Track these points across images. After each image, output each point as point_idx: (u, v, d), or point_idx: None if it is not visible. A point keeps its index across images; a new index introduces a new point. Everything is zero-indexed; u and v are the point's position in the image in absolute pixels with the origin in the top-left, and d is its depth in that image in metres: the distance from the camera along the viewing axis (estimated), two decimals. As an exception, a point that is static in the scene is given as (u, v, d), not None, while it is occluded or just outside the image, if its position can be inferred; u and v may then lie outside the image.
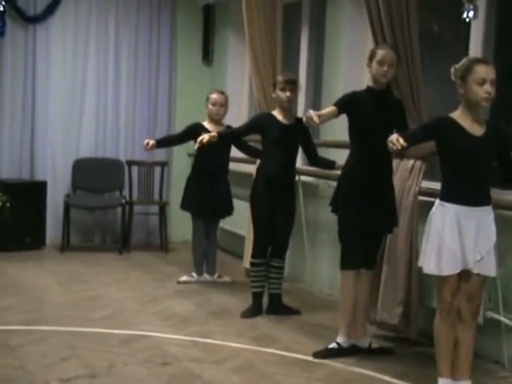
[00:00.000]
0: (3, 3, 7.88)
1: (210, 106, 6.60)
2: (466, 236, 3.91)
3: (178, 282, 6.74)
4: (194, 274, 6.83)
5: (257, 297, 5.78)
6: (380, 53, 4.63)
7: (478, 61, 3.96)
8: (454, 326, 4.02)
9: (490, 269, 3.96)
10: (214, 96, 6.63)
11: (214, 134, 5.61)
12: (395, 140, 3.83)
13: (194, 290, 6.54)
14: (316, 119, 4.20)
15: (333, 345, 4.77)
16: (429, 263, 3.98)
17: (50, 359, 4.49)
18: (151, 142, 6.32)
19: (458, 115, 3.96)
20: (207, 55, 9.00)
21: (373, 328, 5.20)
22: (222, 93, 6.70)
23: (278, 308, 5.77)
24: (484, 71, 3.86)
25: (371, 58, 4.67)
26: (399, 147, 3.83)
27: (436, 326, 4.04)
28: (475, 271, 3.93)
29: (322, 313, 5.83)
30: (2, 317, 5.38)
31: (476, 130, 3.93)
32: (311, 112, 4.24)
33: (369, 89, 4.74)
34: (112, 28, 8.55)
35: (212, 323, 5.50)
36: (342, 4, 6.39)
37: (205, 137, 5.50)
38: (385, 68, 4.61)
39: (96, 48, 8.51)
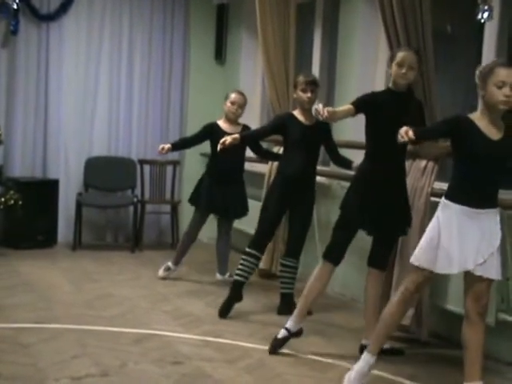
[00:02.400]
0: (17, 1, 7.89)
1: (229, 105, 6.56)
2: (467, 237, 3.91)
3: (159, 278, 6.83)
4: (170, 265, 6.91)
5: (236, 285, 5.70)
6: (400, 55, 4.59)
7: (501, 63, 3.89)
8: (404, 312, 4.19)
9: (493, 271, 3.92)
10: (234, 95, 6.58)
11: (236, 136, 5.46)
12: (404, 132, 3.84)
13: (206, 289, 6.54)
14: (325, 113, 4.17)
15: (282, 332, 4.81)
16: (418, 254, 4.02)
17: (62, 357, 4.50)
18: (166, 146, 6.32)
19: (477, 117, 3.94)
20: (220, 54, 9.00)
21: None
22: (242, 94, 6.63)
23: (290, 308, 5.73)
24: (504, 74, 3.81)
25: (391, 59, 4.63)
26: (406, 139, 3.83)
27: (392, 307, 4.14)
28: (477, 273, 3.92)
29: (333, 313, 5.82)
30: (14, 314, 5.40)
31: (493, 133, 3.90)
32: (320, 106, 4.22)
33: (388, 90, 4.70)
34: (126, 26, 8.56)
35: (223, 323, 5.50)
36: (355, 3, 6.38)
37: (227, 139, 5.37)
38: (403, 70, 4.56)
39: (109, 47, 8.52)
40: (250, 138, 5.91)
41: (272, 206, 5.70)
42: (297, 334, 4.87)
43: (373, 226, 4.76)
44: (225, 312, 5.65)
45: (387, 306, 4.20)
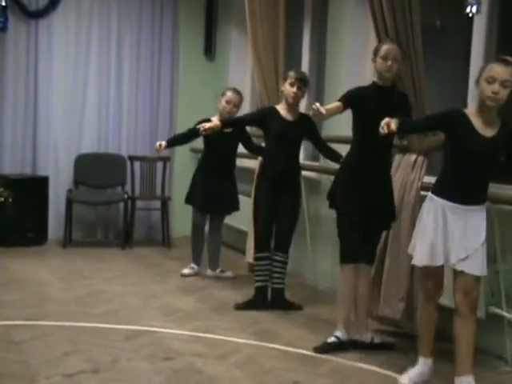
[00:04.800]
0: (5, -1, 7.89)
1: (224, 103, 6.53)
2: (451, 232, 3.93)
3: (182, 275, 6.76)
4: (193, 266, 6.87)
5: (259, 291, 5.80)
6: (384, 48, 4.63)
7: (497, 60, 3.90)
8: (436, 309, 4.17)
9: (475, 267, 3.93)
10: (230, 94, 6.55)
11: (216, 122, 5.67)
12: (384, 124, 3.90)
13: (197, 285, 6.55)
14: (323, 111, 4.22)
15: (332, 339, 4.78)
16: (411, 248, 4.12)
17: (53, 354, 4.50)
18: (163, 144, 6.30)
19: (472, 112, 3.95)
20: (209, 50, 9.00)
21: (375, 323, 5.20)
22: (239, 93, 6.61)
23: (280, 303, 5.77)
24: (497, 70, 3.80)
25: (375, 53, 4.67)
26: (386, 131, 3.89)
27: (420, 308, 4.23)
28: (459, 268, 3.94)
29: (324, 307, 5.82)
30: (5, 312, 5.39)
31: (486, 130, 3.90)
32: (317, 105, 4.25)
33: (374, 84, 4.73)
34: (114, 23, 8.55)
35: (214, 318, 5.50)
36: (344, 0, 6.37)
37: (206, 124, 5.58)
38: (388, 63, 4.60)
39: (98, 43, 8.51)
40: (230, 123, 5.99)
41: (263, 204, 5.74)
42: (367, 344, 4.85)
43: (359, 218, 4.77)
44: (242, 307, 5.76)
45: (418, 312, 4.30)
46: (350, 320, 4.84)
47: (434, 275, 4.08)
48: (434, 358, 4.21)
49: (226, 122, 5.84)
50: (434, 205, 3.98)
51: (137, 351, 4.64)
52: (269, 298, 5.84)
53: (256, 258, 5.82)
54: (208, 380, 4.21)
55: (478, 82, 3.90)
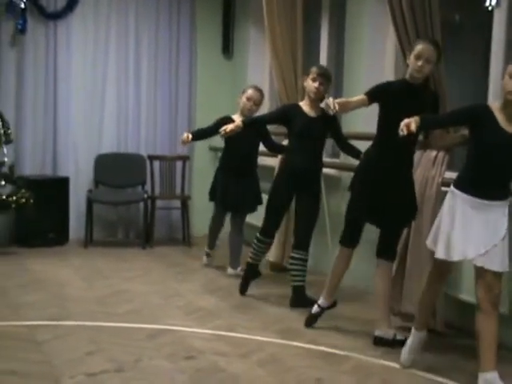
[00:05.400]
0: (24, 1, 7.92)
1: (244, 100, 6.53)
2: (470, 227, 3.90)
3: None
4: (207, 251, 7.23)
5: (249, 266, 6.09)
6: (418, 47, 4.52)
7: None
8: (439, 292, 4.36)
9: (495, 263, 3.90)
10: (251, 92, 6.54)
11: (238, 122, 5.65)
12: (404, 125, 3.89)
13: (218, 283, 6.55)
14: (336, 106, 4.19)
15: (315, 308, 5.18)
16: (429, 238, 4.16)
17: (76, 354, 4.51)
18: (190, 136, 6.29)
19: (496, 107, 3.92)
20: (227, 48, 8.99)
21: (398, 319, 5.18)
22: (260, 91, 6.60)
23: (301, 301, 5.76)
24: None
25: (411, 50, 4.59)
26: (406, 133, 3.88)
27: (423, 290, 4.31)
28: (478, 264, 3.91)
29: (345, 305, 5.80)
30: (27, 312, 5.41)
31: (509, 125, 3.87)
32: (331, 100, 4.22)
33: (404, 81, 4.67)
34: (132, 22, 8.57)
35: (236, 317, 5.50)
36: (363, -6, 6.36)
37: (228, 126, 5.59)
38: (420, 63, 4.50)
39: (116, 43, 8.53)
40: (252, 123, 5.95)
41: (277, 197, 5.81)
42: (331, 306, 5.19)
43: (379, 215, 4.76)
44: (243, 289, 6.12)
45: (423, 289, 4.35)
46: (331, 293, 5.13)
47: (444, 266, 4.15)
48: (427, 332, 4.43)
49: (247, 122, 5.79)
50: (455, 199, 3.95)
51: (159, 350, 4.64)
52: (289, 296, 5.83)
53: (257, 238, 5.96)
54: (230, 378, 4.21)
55: (503, 76, 3.88)
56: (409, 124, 3.90)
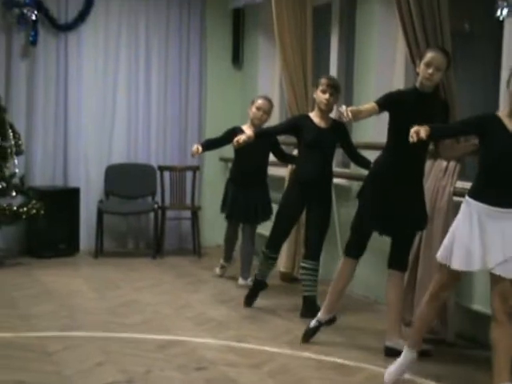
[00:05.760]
0: (36, 12, 7.96)
1: (254, 110, 6.56)
2: (488, 236, 3.87)
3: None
4: (223, 263, 7.18)
5: (257, 281, 6.06)
6: (428, 55, 4.53)
7: None
8: (436, 311, 4.21)
9: None
10: (260, 101, 6.58)
11: (249, 133, 5.65)
12: (413, 132, 3.89)
13: (229, 294, 6.53)
14: (349, 114, 4.19)
15: (313, 322, 5.05)
16: (441, 251, 4.02)
17: (87, 365, 4.51)
18: (200, 148, 6.30)
19: (505, 115, 3.91)
20: (237, 58, 9.00)
21: (409, 330, 5.14)
22: (269, 100, 6.64)
23: (312, 311, 5.71)
24: None
25: (420, 58, 4.59)
26: (415, 140, 3.88)
27: (421, 308, 4.19)
28: (497, 273, 3.87)
29: (356, 315, 5.79)
30: (39, 323, 5.41)
31: None
32: (344, 107, 4.23)
33: (414, 89, 4.67)
34: (142, 33, 8.59)
35: (247, 327, 5.49)
36: (372, 5, 6.36)
37: (241, 137, 5.58)
38: (430, 71, 4.50)
39: (127, 53, 8.55)
40: (263, 134, 5.98)
41: (287, 207, 5.79)
42: (329, 321, 5.08)
43: (390, 224, 4.74)
44: (250, 302, 6.05)
45: (420, 306, 4.22)
46: (333, 306, 5.03)
47: (453, 281, 4.07)
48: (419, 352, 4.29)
49: (258, 133, 5.80)
50: (470, 208, 3.92)
51: (169, 361, 4.64)
52: (299, 306, 5.82)
53: (264, 253, 5.90)
54: (241, 389, 4.21)
55: (508, 85, 3.88)
56: (418, 131, 3.90)
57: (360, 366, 4.62)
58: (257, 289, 6.05)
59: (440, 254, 4.03)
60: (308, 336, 5.07)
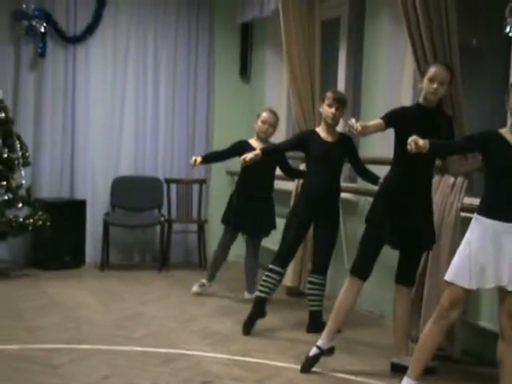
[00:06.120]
0: (44, 25, 8.00)
1: (260, 124, 6.56)
2: (501, 252, 3.85)
3: (193, 293, 6.84)
4: (204, 282, 6.96)
5: (259, 301, 5.72)
6: (432, 70, 4.57)
7: None
8: (442, 333, 4.08)
9: None
10: (265, 115, 6.59)
11: (257, 151, 5.63)
12: (411, 141, 3.91)
13: (234, 308, 6.52)
14: (359, 127, 4.19)
15: (314, 350, 4.79)
16: (451, 271, 3.98)
17: (92, 378, 4.50)
18: (198, 159, 6.31)
19: (506, 131, 3.93)
20: (245, 72, 9.02)
21: (415, 346, 5.12)
22: (274, 113, 6.64)
23: (318, 326, 5.70)
24: None
25: (423, 74, 4.62)
26: (413, 149, 3.91)
27: (428, 329, 4.08)
28: (509, 289, 3.86)
29: (362, 330, 5.77)
30: (44, 335, 5.41)
31: None
32: (353, 120, 4.23)
33: (418, 105, 4.69)
34: (151, 47, 8.62)
35: (252, 341, 5.47)
36: (380, 20, 6.37)
37: (248, 155, 5.56)
38: (434, 86, 4.53)
39: (135, 66, 8.58)
40: (271, 151, 5.95)
41: (295, 222, 5.73)
42: (328, 351, 4.83)
43: (398, 240, 4.71)
44: (248, 328, 5.66)
45: (424, 329, 4.14)
46: (338, 327, 4.85)
47: (460, 297, 4.00)
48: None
49: (266, 150, 5.79)
50: (480, 226, 3.91)
51: (175, 375, 4.62)
52: (305, 321, 5.80)
53: (269, 269, 5.72)
54: (247, 404, 4.19)
55: (509, 99, 3.89)
56: (416, 140, 3.91)
57: (364, 381, 4.60)
58: (256, 315, 5.70)
59: (451, 273, 3.98)
60: (308, 366, 4.80)
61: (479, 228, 3.91)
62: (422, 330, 4.20)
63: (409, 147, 3.94)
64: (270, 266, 5.73)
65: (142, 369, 4.72)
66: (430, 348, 4.10)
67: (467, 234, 3.99)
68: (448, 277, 3.99)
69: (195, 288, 6.97)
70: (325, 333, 4.82)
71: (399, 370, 4.73)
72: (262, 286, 5.74)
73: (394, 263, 4.91)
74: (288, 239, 5.74)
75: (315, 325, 5.72)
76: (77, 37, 8.30)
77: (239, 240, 7.00)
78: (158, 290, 7.20)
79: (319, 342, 4.80)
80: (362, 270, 4.76)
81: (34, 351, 5.00)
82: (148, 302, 6.67)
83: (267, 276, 5.72)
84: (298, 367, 4.83)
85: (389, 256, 4.93)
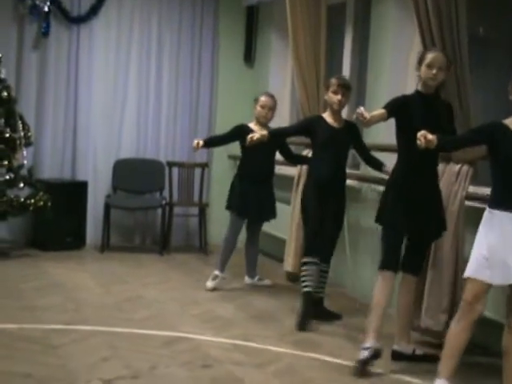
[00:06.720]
0: (48, 4, 7.95)
1: (259, 108, 6.54)
2: None
3: (208, 290, 6.53)
4: (217, 273, 6.65)
5: (307, 296, 5.55)
6: (429, 56, 4.56)
7: None
8: (470, 329, 3.94)
9: None
10: (264, 99, 6.56)
11: (264, 133, 5.61)
12: (420, 135, 3.89)
13: (235, 292, 6.51)
14: (367, 115, 4.18)
15: (365, 353, 4.51)
16: (471, 268, 3.91)
17: (92, 359, 4.49)
18: (201, 142, 6.28)
19: (510, 121, 3.89)
20: (249, 56, 8.98)
21: (416, 334, 5.13)
22: (272, 96, 6.62)
23: (319, 312, 5.71)
24: None
25: (420, 61, 4.60)
26: (423, 143, 3.90)
27: (454, 327, 3.98)
28: None
29: (363, 318, 5.69)
30: (44, 316, 5.40)
31: None
32: (362, 109, 4.22)
33: (418, 93, 4.68)
34: (154, 28, 8.57)
35: (253, 326, 5.46)
36: (387, 5, 6.32)
37: (255, 135, 5.54)
38: (434, 71, 4.54)
39: (138, 48, 8.53)
40: (277, 134, 5.93)
41: (311, 213, 5.65)
42: (376, 353, 4.55)
43: (410, 227, 4.68)
44: (303, 326, 5.43)
45: (450, 329, 4.03)
46: (380, 329, 4.65)
47: (483, 290, 3.90)
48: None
49: (273, 133, 5.77)
50: (494, 219, 3.86)
51: (175, 358, 4.61)
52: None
53: (305, 263, 5.61)
54: (247, 389, 4.18)
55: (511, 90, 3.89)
56: (425, 134, 3.90)
57: (366, 369, 4.58)
58: (308, 311, 5.49)
59: (471, 269, 3.90)
60: (362, 369, 4.51)
61: (493, 221, 3.86)
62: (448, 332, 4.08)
63: (418, 142, 3.93)
64: (305, 260, 5.61)
65: (141, 351, 4.71)
66: (460, 346, 3.97)
67: (481, 228, 3.92)
68: (468, 273, 3.90)
69: (210, 284, 6.59)
70: (371, 334, 4.57)
71: (400, 357, 4.75)
72: (304, 281, 5.58)
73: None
74: (311, 228, 5.65)
75: (317, 311, 5.71)
76: (81, 17, 8.25)
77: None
78: (159, 273, 7.19)
79: (368, 344, 4.55)
80: (391, 263, 4.65)
81: (33, 331, 4.99)
82: (148, 284, 6.66)
83: (306, 270, 5.58)
84: (299, 353, 4.84)
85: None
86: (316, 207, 5.62)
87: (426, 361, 4.72)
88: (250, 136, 5.58)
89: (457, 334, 3.97)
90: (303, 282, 5.59)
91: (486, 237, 3.88)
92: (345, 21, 7.22)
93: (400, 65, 6.26)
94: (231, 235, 6.63)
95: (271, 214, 6.69)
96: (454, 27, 4.89)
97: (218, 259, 6.69)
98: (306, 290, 5.57)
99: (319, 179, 5.64)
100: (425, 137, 3.91)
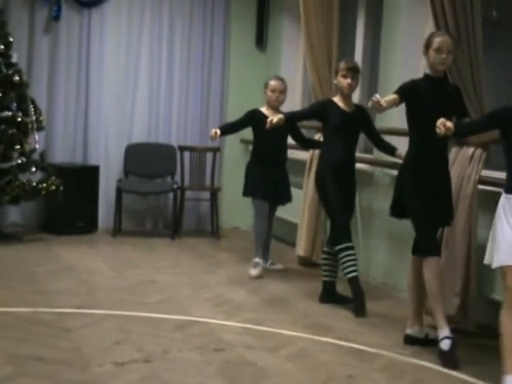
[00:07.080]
0: (59, -12, 7.95)
1: (269, 93, 6.52)
2: None
3: (251, 278, 6.44)
4: (258, 260, 6.55)
5: (356, 281, 5.48)
6: (437, 40, 4.53)
7: None
8: None
9: None
10: (273, 83, 6.55)
11: (281, 116, 5.57)
12: (440, 124, 3.90)
13: (246, 276, 6.49)
14: (383, 103, 4.19)
15: (446, 343, 4.43)
16: (501, 257, 3.85)
17: (105, 343, 4.50)
18: (218, 132, 6.24)
19: None
20: (261, 41, 8.94)
21: (429, 318, 5.11)
22: (282, 79, 6.61)
23: (331, 296, 5.71)
24: None
25: (428, 46, 4.57)
26: (442, 131, 3.90)
27: (501, 317, 3.89)
28: None
29: (375, 302, 5.74)
30: (57, 299, 5.42)
31: None
32: (377, 96, 4.20)
33: (427, 77, 4.66)
34: (166, 13, 8.55)
35: (265, 310, 5.46)
36: (400, -11, 6.28)
37: (274, 118, 5.49)
38: (443, 55, 4.52)
39: (150, 33, 8.52)
40: (292, 117, 5.88)
41: (330, 194, 5.58)
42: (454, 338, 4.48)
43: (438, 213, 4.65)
44: (363, 311, 5.42)
45: (501, 323, 3.88)
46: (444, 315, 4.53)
47: None
48: None
49: (289, 116, 5.72)
50: (507, 204, 3.84)
51: (187, 342, 4.62)
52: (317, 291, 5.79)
53: (342, 249, 5.48)
54: (260, 372, 4.17)
55: None
56: (445, 122, 3.89)
57: (379, 353, 4.57)
58: (361, 294, 5.46)
59: (505, 258, 3.83)
60: (452, 359, 4.41)
61: (505, 206, 3.83)
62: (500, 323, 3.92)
63: (438, 130, 3.94)
64: (339, 247, 5.50)
65: (154, 335, 4.71)
66: None
67: (501, 216, 3.86)
68: (503, 262, 3.83)
69: (253, 272, 6.47)
70: (441, 322, 4.47)
71: (413, 341, 4.73)
72: (345, 267, 5.48)
73: (406, 234, 4.87)
74: (335, 212, 5.58)
75: (328, 295, 5.71)
76: (92, 1, 8.23)
77: (249, 208, 6.91)
78: (171, 257, 7.20)
79: (443, 333, 4.45)
80: (431, 246, 4.57)
81: (46, 315, 5.01)
82: (160, 268, 6.67)
83: (343, 257, 5.48)
84: (311, 337, 4.83)
85: (403, 227, 4.90)
86: (335, 191, 5.55)
87: (431, 344, 4.70)
88: (269, 119, 5.51)
89: (507, 324, 3.85)
90: (346, 267, 5.47)
91: (508, 222, 3.83)
92: (357, 5, 7.18)
93: (413, 49, 6.19)
94: (259, 220, 6.54)
95: (287, 197, 6.68)
96: (467, 10, 4.85)
97: (254, 246, 6.59)
98: (352, 275, 5.46)
99: (332, 163, 5.60)
100: (444, 124, 3.91)
